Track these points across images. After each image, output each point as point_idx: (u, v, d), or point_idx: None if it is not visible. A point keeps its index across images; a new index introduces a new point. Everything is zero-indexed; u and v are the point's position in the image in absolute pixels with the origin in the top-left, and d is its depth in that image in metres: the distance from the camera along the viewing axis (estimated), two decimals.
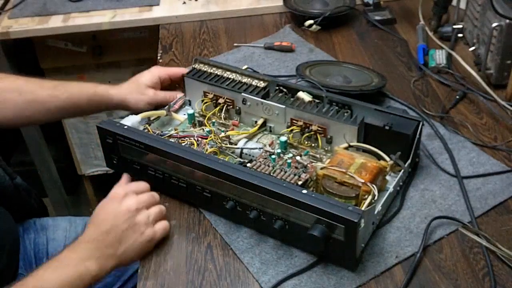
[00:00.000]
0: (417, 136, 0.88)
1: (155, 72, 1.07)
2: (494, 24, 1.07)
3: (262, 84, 0.99)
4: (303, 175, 0.84)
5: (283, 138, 0.92)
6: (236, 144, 0.94)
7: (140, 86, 1.05)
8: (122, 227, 0.79)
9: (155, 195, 0.86)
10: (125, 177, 0.91)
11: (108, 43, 1.67)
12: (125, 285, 1.11)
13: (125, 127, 0.91)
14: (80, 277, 0.75)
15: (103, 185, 1.29)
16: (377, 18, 1.40)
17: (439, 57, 1.21)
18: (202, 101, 1.02)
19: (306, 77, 1.09)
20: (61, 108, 1.04)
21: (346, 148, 0.89)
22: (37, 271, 0.76)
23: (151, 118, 1.01)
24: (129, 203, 0.81)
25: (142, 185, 0.87)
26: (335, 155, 0.86)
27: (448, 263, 0.79)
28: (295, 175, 0.84)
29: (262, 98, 0.96)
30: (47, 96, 1.03)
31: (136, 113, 0.99)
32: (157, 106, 1.05)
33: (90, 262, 0.77)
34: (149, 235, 0.81)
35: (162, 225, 0.84)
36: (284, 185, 0.77)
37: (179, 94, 1.07)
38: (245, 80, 1.01)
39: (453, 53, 1.21)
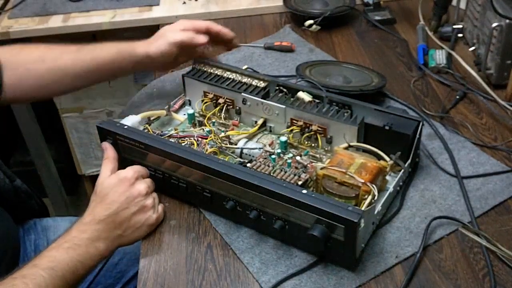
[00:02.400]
0: (417, 136, 0.88)
1: (180, 24, 1.04)
2: (494, 24, 1.07)
3: (262, 84, 0.99)
4: (303, 175, 0.84)
5: (283, 138, 0.92)
6: (236, 144, 0.94)
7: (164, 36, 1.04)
8: (132, 209, 0.83)
9: (152, 181, 0.89)
10: (108, 146, 0.91)
11: None
12: (126, 287, 1.11)
13: (125, 127, 0.91)
14: (91, 257, 0.80)
15: None
16: (377, 18, 1.41)
17: (439, 57, 1.21)
18: (202, 101, 1.02)
19: (306, 77, 1.09)
20: (86, 71, 1.01)
21: (346, 148, 0.89)
22: (48, 251, 0.78)
23: (151, 118, 1.01)
24: (141, 188, 0.85)
25: (144, 169, 0.89)
26: (335, 155, 0.86)
27: (448, 263, 0.79)
28: (295, 175, 0.84)
29: (262, 98, 0.96)
30: (70, 60, 1.01)
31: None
32: (182, 47, 1.01)
33: (99, 242, 0.81)
34: (155, 217, 0.86)
35: (162, 208, 0.88)
36: (284, 185, 0.77)
37: (201, 38, 1.02)
38: (245, 80, 1.01)
39: (453, 53, 1.21)
